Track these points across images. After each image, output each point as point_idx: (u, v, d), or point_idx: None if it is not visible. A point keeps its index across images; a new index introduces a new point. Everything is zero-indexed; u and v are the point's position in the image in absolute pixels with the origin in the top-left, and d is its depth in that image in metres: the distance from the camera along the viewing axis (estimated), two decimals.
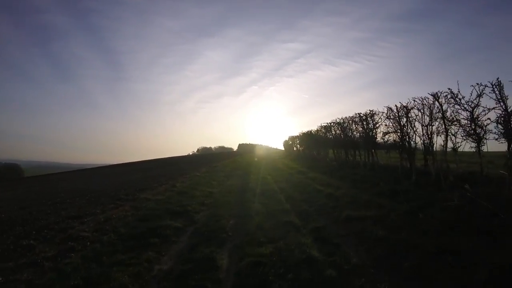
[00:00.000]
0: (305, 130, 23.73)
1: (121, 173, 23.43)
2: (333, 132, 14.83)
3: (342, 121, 12.90)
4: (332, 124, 14.46)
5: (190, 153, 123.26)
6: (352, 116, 11.93)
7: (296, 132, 33.06)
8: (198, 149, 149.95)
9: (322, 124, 16.12)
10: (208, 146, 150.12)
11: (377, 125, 10.26)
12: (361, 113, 10.85)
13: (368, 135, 10.70)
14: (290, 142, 35.20)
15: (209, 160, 31.13)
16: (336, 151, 15.33)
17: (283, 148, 57.42)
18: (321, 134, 16.95)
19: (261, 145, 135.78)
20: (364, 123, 10.80)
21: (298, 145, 29.43)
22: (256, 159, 33.15)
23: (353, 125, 12.25)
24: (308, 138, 21.99)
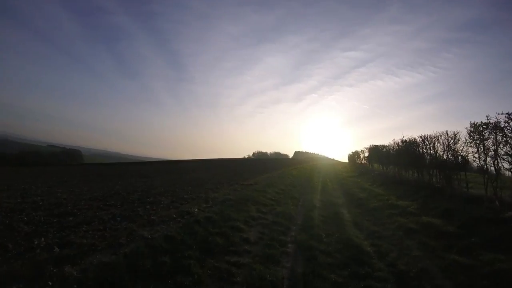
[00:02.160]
0: (397, 138, 15.04)
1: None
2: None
3: None
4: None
5: (246, 156, 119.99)
6: None
7: (371, 140, 24.12)
8: (254, 153, 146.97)
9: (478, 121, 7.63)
10: (264, 151, 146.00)
11: None
12: None
13: None
14: (365, 155, 26.20)
15: (257, 169, 24.02)
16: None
17: (342, 160, 49.01)
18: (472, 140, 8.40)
19: (317, 154, 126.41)
20: None
21: (378, 162, 20.40)
22: (317, 172, 25.03)
23: None
24: (410, 150, 13.26)
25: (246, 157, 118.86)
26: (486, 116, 7.40)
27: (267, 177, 17.57)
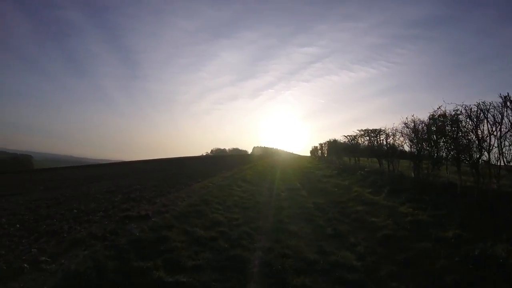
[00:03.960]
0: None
1: None
2: None
3: None
4: None
5: (204, 154, 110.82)
6: None
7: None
8: (212, 150, 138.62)
9: None
10: (222, 147, 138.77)
11: None
12: None
13: None
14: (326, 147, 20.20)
15: (200, 171, 16.37)
16: None
17: (302, 154, 45.62)
18: None
19: (277, 149, 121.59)
20: None
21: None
22: (281, 172, 18.40)
23: None
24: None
25: (204, 154, 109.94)
26: None
27: (203, 187, 10.27)
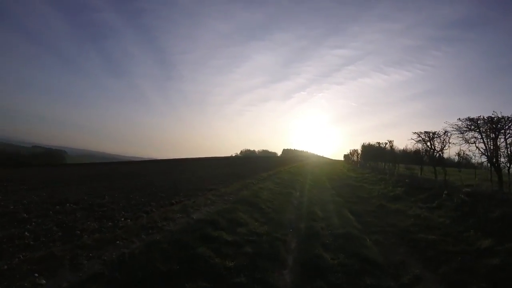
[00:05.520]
0: None
1: None
2: None
3: None
4: None
5: (233, 155, 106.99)
6: None
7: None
8: (241, 151, 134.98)
9: None
10: (252, 149, 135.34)
11: None
12: None
13: None
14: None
15: (216, 177, 11.06)
16: None
17: (333, 158, 40.34)
18: None
19: (307, 152, 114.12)
20: None
21: None
22: (318, 183, 12.74)
23: None
24: None
25: (234, 155, 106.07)
26: None
27: (153, 226, 4.95)
